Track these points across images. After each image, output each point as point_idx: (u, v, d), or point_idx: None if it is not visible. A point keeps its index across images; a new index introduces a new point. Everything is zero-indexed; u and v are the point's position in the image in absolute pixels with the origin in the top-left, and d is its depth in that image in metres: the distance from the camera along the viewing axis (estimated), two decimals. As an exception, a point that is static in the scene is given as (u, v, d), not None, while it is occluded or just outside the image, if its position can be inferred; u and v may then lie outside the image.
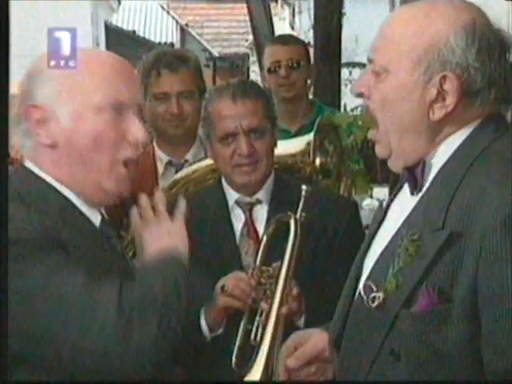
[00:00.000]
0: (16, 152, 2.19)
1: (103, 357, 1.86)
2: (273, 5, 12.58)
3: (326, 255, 2.84)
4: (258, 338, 2.65)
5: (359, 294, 2.00)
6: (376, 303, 1.91)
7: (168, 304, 1.91)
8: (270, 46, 4.64)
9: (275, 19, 8.90)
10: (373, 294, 1.92)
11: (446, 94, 1.90)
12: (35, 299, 1.87)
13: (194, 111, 3.48)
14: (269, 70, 4.44)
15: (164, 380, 2.05)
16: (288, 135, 3.98)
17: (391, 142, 1.97)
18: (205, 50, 22.23)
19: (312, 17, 7.28)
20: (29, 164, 2.10)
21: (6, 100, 1.85)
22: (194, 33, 24.86)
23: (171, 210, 2.17)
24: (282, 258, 2.68)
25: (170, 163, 3.61)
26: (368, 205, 4.62)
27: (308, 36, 9.24)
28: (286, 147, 3.18)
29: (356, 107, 7.63)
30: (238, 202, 2.92)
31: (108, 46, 20.66)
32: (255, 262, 2.75)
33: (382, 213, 2.12)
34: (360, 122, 3.63)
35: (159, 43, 21.32)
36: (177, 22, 25.30)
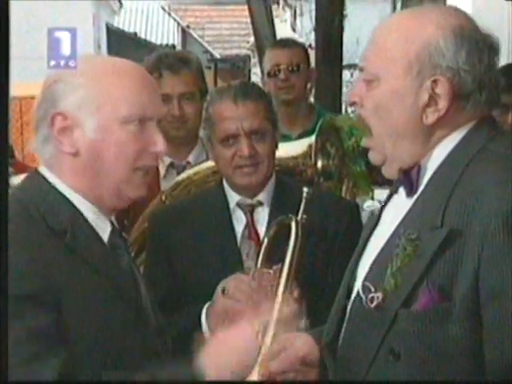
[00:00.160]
0: (32, 160, 2.17)
1: None
2: (274, 7, 12.62)
3: (327, 257, 2.84)
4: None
5: (357, 295, 2.00)
6: (375, 303, 1.92)
7: None
8: (269, 49, 4.67)
9: (276, 21, 8.92)
10: (371, 295, 1.93)
11: (438, 98, 1.93)
12: None
13: (195, 113, 3.48)
14: (269, 74, 4.46)
15: (162, 380, 2.04)
16: (289, 140, 3.97)
17: (386, 148, 1.99)
18: (206, 51, 22.25)
19: (313, 19, 7.31)
20: (43, 170, 2.09)
21: (6, 100, 1.84)
22: (195, 35, 24.91)
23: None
24: (282, 260, 2.67)
25: (171, 165, 3.61)
26: (369, 206, 4.59)
27: (309, 38, 9.25)
28: (287, 150, 3.18)
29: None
30: (239, 204, 2.91)
31: (109, 48, 20.71)
32: (256, 264, 2.74)
33: (375, 219, 2.13)
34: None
35: (160, 45, 21.36)
36: (178, 23, 25.35)
